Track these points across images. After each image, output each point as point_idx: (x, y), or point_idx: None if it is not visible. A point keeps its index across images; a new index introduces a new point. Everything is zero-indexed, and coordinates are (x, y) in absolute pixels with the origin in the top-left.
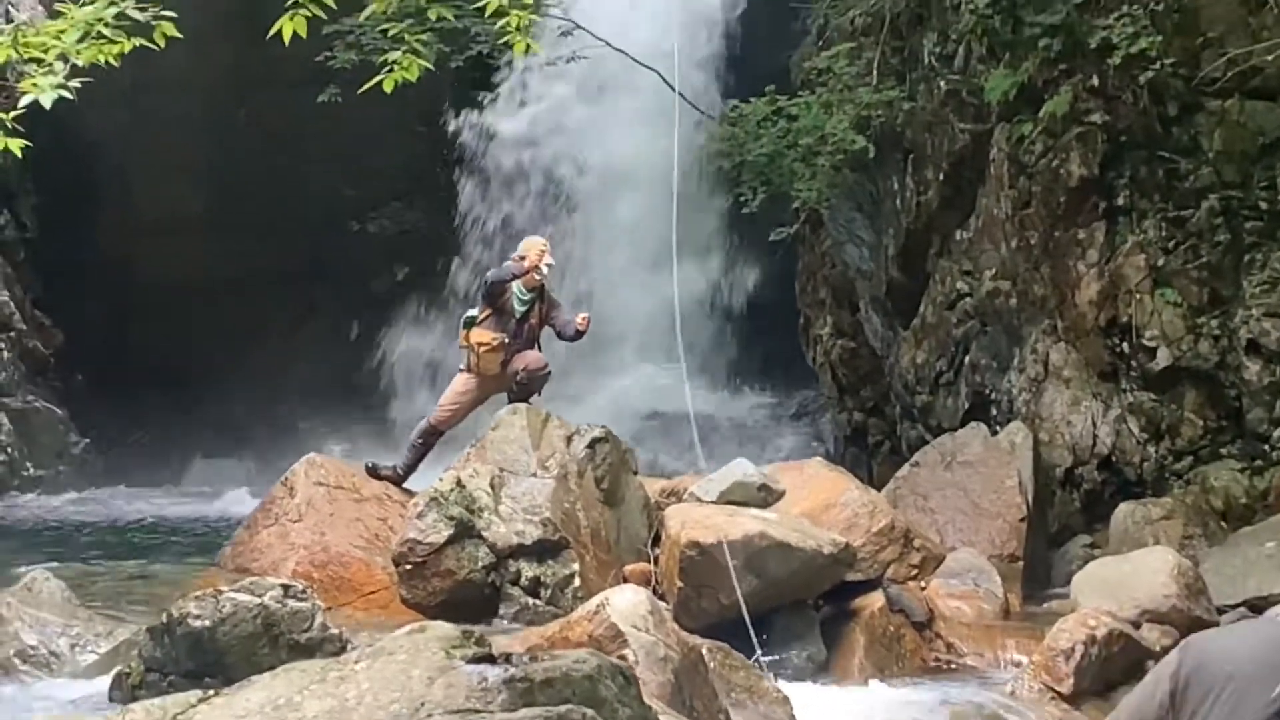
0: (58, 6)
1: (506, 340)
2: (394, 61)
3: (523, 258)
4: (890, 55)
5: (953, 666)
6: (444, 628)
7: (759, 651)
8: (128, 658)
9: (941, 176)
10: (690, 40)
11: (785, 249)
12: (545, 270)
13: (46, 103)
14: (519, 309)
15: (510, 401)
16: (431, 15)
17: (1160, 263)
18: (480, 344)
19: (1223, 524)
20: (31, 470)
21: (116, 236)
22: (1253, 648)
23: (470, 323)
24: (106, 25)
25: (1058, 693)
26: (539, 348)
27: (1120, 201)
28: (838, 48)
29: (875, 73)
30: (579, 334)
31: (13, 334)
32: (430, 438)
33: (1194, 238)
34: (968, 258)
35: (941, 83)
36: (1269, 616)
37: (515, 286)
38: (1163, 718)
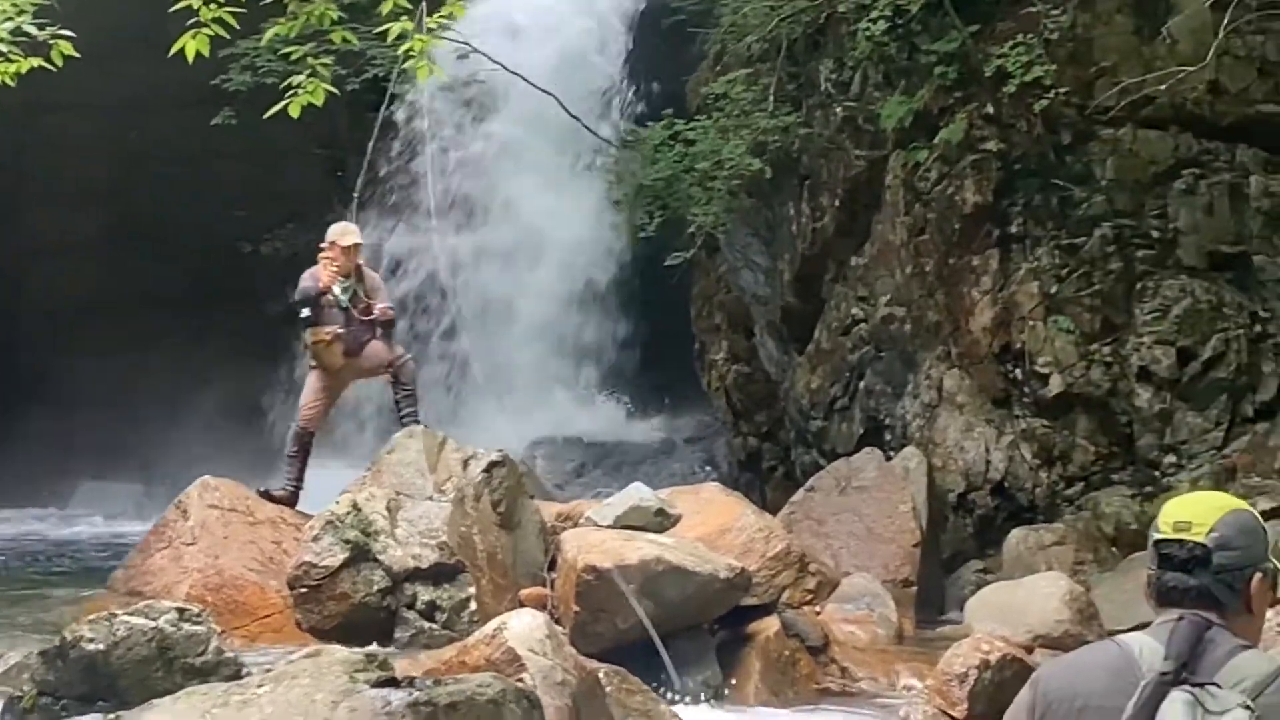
0: None
1: (340, 330)
2: (298, 85)
3: (333, 243)
4: (787, 81)
5: (847, 691)
6: (345, 651)
7: (674, 675)
8: (19, 681)
9: (837, 203)
10: (585, 66)
11: (681, 274)
12: (341, 283)
13: None
14: (342, 298)
15: (396, 398)
16: (335, 39)
17: (1053, 290)
18: (317, 341)
19: (1114, 550)
20: None
21: (7, 257)
22: (1101, 673)
23: (306, 324)
24: (1, 41)
25: (951, 717)
26: (382, 330)
27: (1014, 229)
28: (734, 73)
29: (772, 98)
30: (382, 324)
31: None
32: (303, 441)
33: (1086, 265)
34: (863, 284)
35: (838, 109)
36: (1115, 639)
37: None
38: None
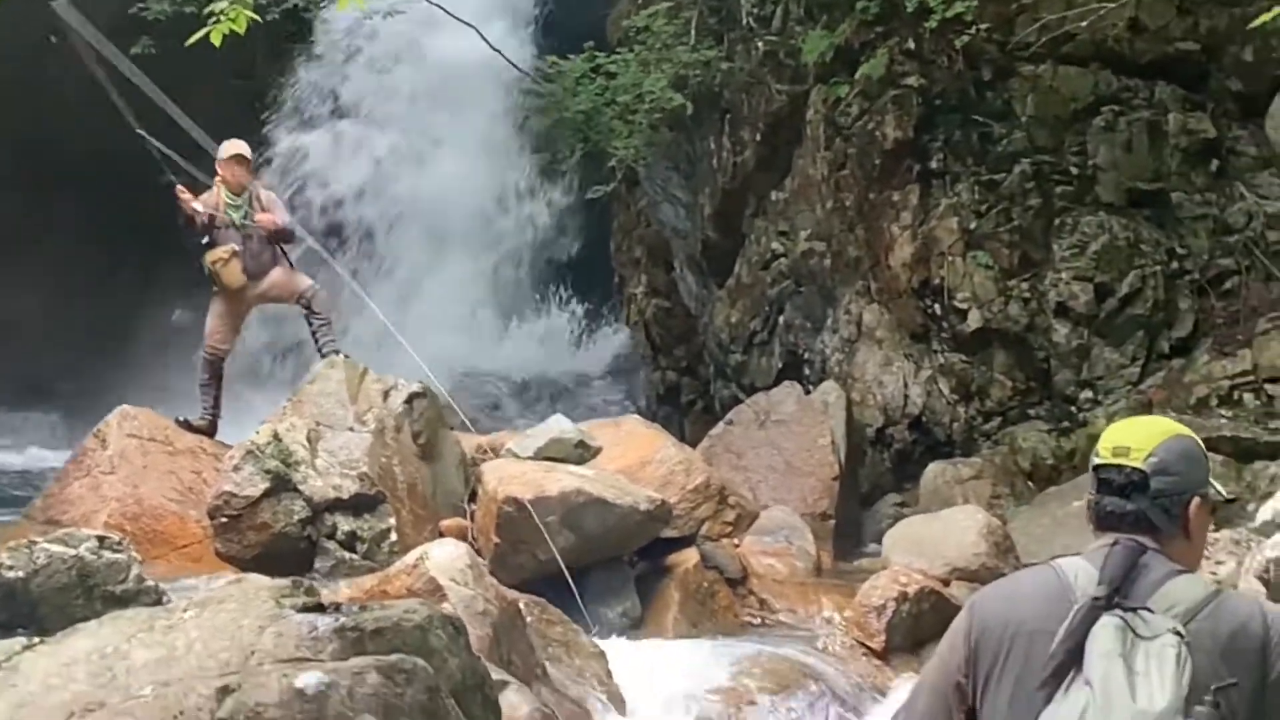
0: None
1: (237, 249)
2: (220, 12)
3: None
4: (708, 15)
5: (765, 622)
6: (270, 579)
7: (583, 609)
8: None
9: (758, 137)
10: None
11: (601, 207)
12: (231, 200)
13: None
14: (236, 217)
15: (312, 330)
16: None
17: (972, 226)
18: (215, 261)
19: (1030, 484)
20: None
21: None
22: (1035, 597)
23: (204, 249)
24: None
25: (869, 648)
26: (281, 249)
27: (934, 165)
28: (656, 6)
29: (693, 32)
30: (274, 237)
31: None
32: (215, 369)
33: (1006, 201)
34: (783, 218)
35: (759, 43)
36: (1051, 563)
37: (225, 196)
38: (963, 684)
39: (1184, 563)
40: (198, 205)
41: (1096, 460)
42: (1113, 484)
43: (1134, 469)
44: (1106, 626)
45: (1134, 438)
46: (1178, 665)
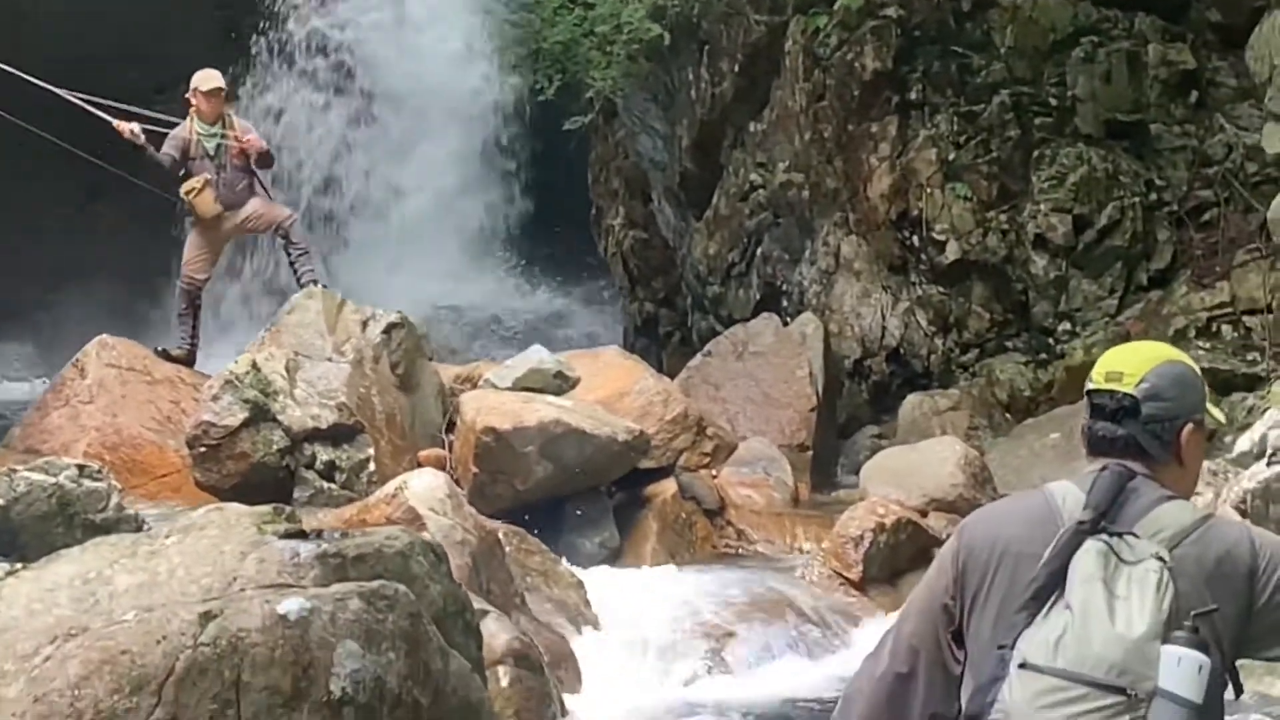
0: None
1: (210, 177)
2: None
3: (195, 90)
4: None
5: (743, 553)
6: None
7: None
8: None
9: (736, 68)
10: None
11: (579, 139)
12: (205, 130)
13: None
14: (209, 146)
15: (290, 260)
16: None
17: (951, 157)
18: (188, 191)
19: (1007, 415)
20: None
21: None
22: (1023, 520)
23: (180, 181)
24: None
25: (846, 579)
26: (258, 174)
27: (913, 96)
28: None
29: None
30: (258, 158)
31: None
32: (191, 298)
33: (984, 133)
34: (761, 150)
35: None
36: (1043, 487)
37: (197, 127)
38: (950, 605)
39: (1177, 489)
40: (134, 127)
41: (1090, 385)
42: (1105, 409)
43: (1125, 394)
44: (1090, 551)
45: (1127, 363)
46: (1158, 590)
